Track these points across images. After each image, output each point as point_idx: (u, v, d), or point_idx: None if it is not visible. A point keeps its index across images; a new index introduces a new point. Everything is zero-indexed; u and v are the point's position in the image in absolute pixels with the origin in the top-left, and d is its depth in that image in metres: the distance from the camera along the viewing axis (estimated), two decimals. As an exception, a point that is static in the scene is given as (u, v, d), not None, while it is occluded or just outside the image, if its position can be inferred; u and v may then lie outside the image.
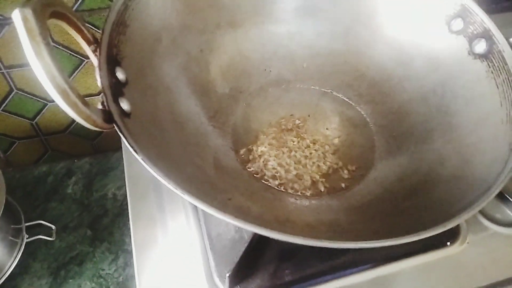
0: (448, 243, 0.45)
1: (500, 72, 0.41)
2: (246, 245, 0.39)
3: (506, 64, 0.40)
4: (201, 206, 0.28)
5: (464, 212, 0.31)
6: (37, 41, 0.26)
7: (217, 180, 0.39)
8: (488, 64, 0.42)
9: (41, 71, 0.26)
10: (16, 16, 0.26)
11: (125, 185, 0.69)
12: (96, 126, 0.30)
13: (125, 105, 0.34)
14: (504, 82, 0.40)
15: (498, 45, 0.42)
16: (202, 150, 0.42)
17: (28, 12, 0.26)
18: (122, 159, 0.72)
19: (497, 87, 0.41)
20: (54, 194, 0.68)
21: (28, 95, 0.61)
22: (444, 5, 0.46)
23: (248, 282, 0.39)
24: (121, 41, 0.37)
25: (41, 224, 0.62)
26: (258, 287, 0.39)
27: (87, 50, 0.35)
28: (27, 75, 0.58)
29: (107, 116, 0.31)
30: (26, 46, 0.26)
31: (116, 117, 0.31)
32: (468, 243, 0.46)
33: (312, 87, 0.54)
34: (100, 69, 0.33)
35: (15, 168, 0.70)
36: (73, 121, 0.67)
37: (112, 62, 0.35)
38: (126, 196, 0.68)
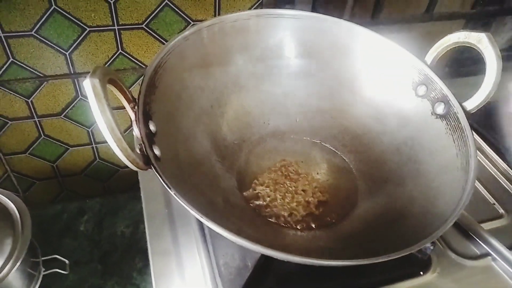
0: (421, 273, 0.53)
1: (456, 130, 0.50)
2: (250, 271, 0.46)
3: (460, 123, 0.50)
4: (222, 232, 0.36)
5: (428, 238, 0.39)
6: (102, 102, 0.35)
7: (228, 214, 0.47)
8: (447, 123, 0.52)
9: (104, 125, 0.35)
10: (87, 84, 0.35)
11: (132, 223, 0.77)
12: (138, 167, 0.38)
13: (156, 151, 0.42)
14: (458, 137, 0.50)
15: (454, 107, 0.51)
16: (214, 189, 0.50)
17: (96, 81, 0.35)
18: (129, 200, 0.80)
19: (454, 142, 0.50)
20: (68, 231, 0.74)
21: (54, 141, 0.69)
22: (411, 73, 0.56)
23: (251, 303, 0.46)
24: (151, 99, 0.46)
25: (56, 258, 0.68)
26: (260, 308, 0.46)
27: (127, 107, 0.44)
28: (55, 123, 0.66)
29: (146, 160, 0.39)
30: (93, 106, 0.35)
31: (153, 160, 0.39)
32: (438, 273, 0.53)
33: (304, 138, 0.63)
34: (138, 122, 0.42)
35: (31, 206, 0.76)
36: (89, 164, 0.75)
37: (146, 116, 0.44)
38: (133, 233, 0.75)
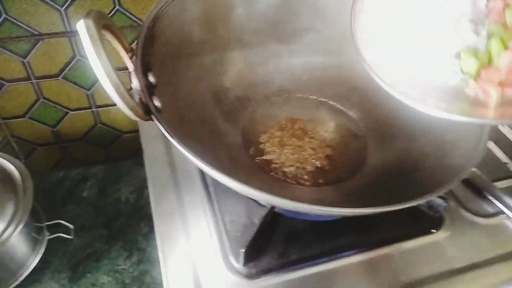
0: (434, 231, 0.51)
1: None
2: (257, 227, 0.44)
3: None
4: (229, 182, 0.34)
5: (439, 189, 0.37)
6: (97, 44, 0.33)
7: (233, 170, 0.45)
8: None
9: (100, 68, 0.33)
10: (81, 25, 0.33)
11: (136, 189, 0.75)
12: (138, 116, 0.36)
13: (157, 102, 0.40)
14: (474, 88, 0.47)
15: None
16: (218, 145, 0.48)
17: (90, 22, 0.33)
18: (133, 166, 0.78)
19: (469, 93, 0.48)
20: (71, 197, 0.73)
21: (53, 104, 0.67)
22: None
23: (259, 259, 0.45)
24: (150, 51, 0.44)
25: (60, 223, 0.67)
26: (268, 264, 0.45)
27: (125, 57, 0.42)
28: (54, 85, 0.64)
29: (146, 109, 0.37)
30: (88, 48, 0.33)
31: (153, 109, 0.38)
32: (450, 231, 0.52)
33: (311, 96, 0.61)
34: (136, 72, 0.40)
35: (33, 173, 0.75)
36: (90, 129, 0.74)
37: (145, 67, 0.42)
38: (137, 199, 0.74)
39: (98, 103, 0.70)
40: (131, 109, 0.35)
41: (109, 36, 0.40)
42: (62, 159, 0.78)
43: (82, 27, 0.33)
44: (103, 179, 0.77)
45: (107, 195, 0.74)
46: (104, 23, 0.37)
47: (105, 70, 0.33)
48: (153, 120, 0.38)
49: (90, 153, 0.79)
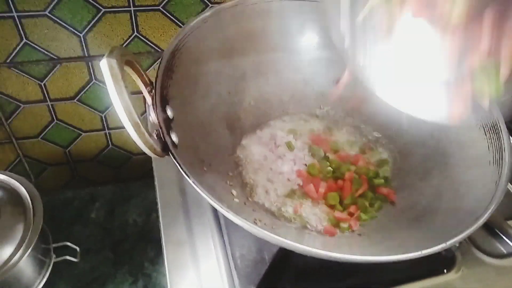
0: (445, 271, 0.50)
1: (487, 122, 0.48)
2: (268, 264, 0.44)
3: (492, 114, 0.47)
4: (240, 222, 0.34)
5: (457, 237, 0.37)
6: (119, 84, 0.33)
7: (246, 206, 0.45)
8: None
9: (120, 107, 0.33)
10: (104, 64, 0.33)
11: (144, 212, 0.75)
12: (155, 154, 0.36)
13: (174, 137, 0.40)
14: (490, 130, 0.47)
15: (486, 98, 0.49)
16: (231, 179, 0.48)
17: (113, 61, 0.33)
18: (142, 188, 0.78)
19: (485, 134, 0.47)
20: (79, 218, 0.73)
21: (66, 125, 0.67)
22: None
23: (269, 298, 0.44)
24: (169, 84, 0.44)
25: (66, 245, 0.67)
26: (278, 303, 0.44)
27: (144, 91, 0.42)
28: (68, 107, 0.65)
29: (163, 146, 0.37)
30: (110, 87, 0.33)
31: (170, 147, 0.37)
32: (462, 271, 0.51)
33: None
34: (155, 107, 0.40)
35: (43, 192, 0.75)
36: (101, 150, 0.74)
37: (164, 101, 0.42)
38: (145, 222, 0.73)
39: (111, 125, 0.70)
40: (149, 147, 0.35)
41: (129, 71, 0.40)
42: (72, 179, 0.79)
43: (105, 66, 0.33)
44: (111, 200, 0.77)
45: (115, 216, 0.74)
46: (127, 59, 0.37)
47: (125, 109, 0.33)
48: (169, 156, 0.38)
49: (100, 174, 0.79)
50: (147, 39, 0.61)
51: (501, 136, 0.46)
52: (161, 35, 0.60)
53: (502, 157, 0.44)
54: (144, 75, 0.42)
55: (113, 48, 0.35)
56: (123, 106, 0.33)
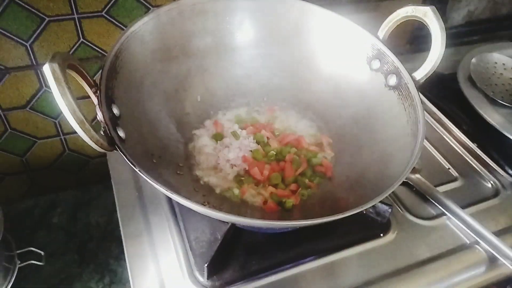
0: (382, 235, 0.56)
1: (406, 99, 0.54)
2: (219, 242, 0.48)
3: (410, 92, 0.54)
4: (188, 204, 0.38)
5: (377, 197, 0.42)
6: (62, 86, 0.36)
7: (196, 192, 0.49)
8: (399, 93, 0.55)
9: (65, 107, 0.36)
10: (47, 69, 0.36)
11: (106, 213, 0.77)
12: (102, 148, 0.40)
13: (121, 133, 0.44)
14: (409, 106, 0.53)
15: (404, 78, 0.55)
16: (181, 169, 0.52)
17: (55, 65, 0.36)
18: (102, 191, 0.80)
19: (405, 110, 0.54)
20: (41, 224, 0.74)
21: (21, 134, 0.69)
22: (365, 49, 0.59)
23: (223, 272, 0.49)
24: (114, 84, 0.47)
25: (31, 251, 0.68)
26: (231, 276, 0.48)
27: (89, 91, 0.45)
28: (21, 116, 0.66)
29: (110, 141, 0.41)
30: (54, 89, 0.36)
31: (117, 141, 0.41)
32: (397, 234, 0.57)
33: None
34: (101, 106, 0.43)
35: (2, 202, 0.76)
36: (59, 156, 0.75)
37: (108, 100, 0.45)
38: (108, 223, 0.76)
39: (65, 131, 0.72)
40: (96, 142, 0.38)
41: (74, 74, 0.43)
42: (31, 187, 0.79)
43: (48, 70, 0.36)
44: (73, 204, 0.78)
45: (77, 220, 0.76)
46: (69, 63, 0.40)
47: (69, 109, 0.36)
48: (117, 150, 0.41)
49: (59, 180, 0.80)
50: (93, 44, 0.63)
51: (417, 109, 0.52)
52: (106, 39, 0.63)
53: (417, 128, 0.50)
54: (88, 77, 0.45)
55: (55, 53, 0.38)
56: (67, 105, 0.36)
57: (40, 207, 0.77)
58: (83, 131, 0.37)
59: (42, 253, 0.68)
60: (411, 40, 0.98)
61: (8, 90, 0.62)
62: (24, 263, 0.66)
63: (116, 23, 0.62)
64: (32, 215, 0.76)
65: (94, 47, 0.64)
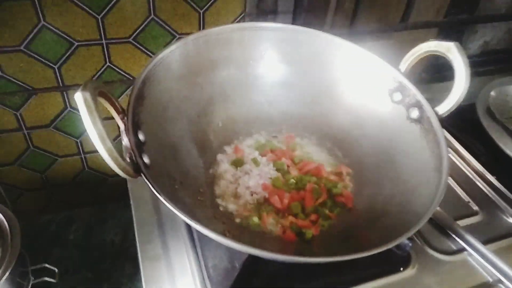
0: (401, 269, 0.55)
1: (429, 133, 0.54)
2: (238, 271, 0.48)
3: (432, 126, 0.53)
4: (208, 233, 0.38)
5: (404, 235, 0.41)
6: (93, 115, 0.37)
7: (215, 220, 0.49)
8: (421, 127, 0.55)
9: (95, 136, 0.37)
10: (79, 97, 0.37)
11: (121, 232, 0.78)
12: (129, 175, 0.40)
13: (146, 159, 0.44)
14: (432, 140, 0.53)
15: (427, 112, 0.55)
16: (202, 195, 0.52)
17: (87, 94, 0.37)
18: (118, 209, 0.81)
19: (427, 144, 0.53)
20: (57, 240, 0.75)
21: (42, 152, 0.70)
22: (387, 81, 0.60)
23: (240, 303, 0.48)
24: (140, 110, 0.48)
25: (45, 267, 0.69)
26: (249, 308, 0.48)
27: (116, 117, 0.46)
28: (44, 134, 0.68)
29: (136, 168, 0.41)
30: (85, 118, 0.37)
31: (143, 168, 0.41)
32: (417, 268, 0.56)
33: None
34: (128, 132, 0.44)
35: (20, 217, 0.77)
36: (78, 174, 0.76)
37: (135, 126, 0.46)
38: (123, 241, 0.76)
39: (86, 150, 0.73)
40: (123, 169, 0.39)
41: (103, 101, 0.44)
42: (49, 203, 0.80)
43: (80, 99, 0.37)
44: (89, 221, 0.79)
45: (92, 237, 0.77)
46: (100, 91, 0.41)
47: (99, 138, 0.37)
48: (141, 176, 0.42)
49: (77, 196, 0.81)
50: (119, 68, 0.65)
51: (440, 145, 0.52)
52: (132, 64, 0.64)
53: (441, 164, 0.50)
54: (116, 103, 0.46)
55: (86, 82, 0.39)
56: (97, 134, 0.37)
57: (57, 223, 0.78)
58: (111, 159, 0.38)
59: (56, 270, 0.69)
60: (426, 69, 0.98)
61: (34, 109, 0.64)
62: (38, 280, 0.66)
63: (142, 49, 0.64)
64: (48, 231, 0.77)
65: (120, 71, 0.65)
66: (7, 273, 0.57)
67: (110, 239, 0.77)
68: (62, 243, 0.75)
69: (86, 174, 0.76)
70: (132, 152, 0.43)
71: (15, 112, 0.63)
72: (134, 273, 0.71)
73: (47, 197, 0.79)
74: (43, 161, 0.72)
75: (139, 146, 0.45)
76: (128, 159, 0.43)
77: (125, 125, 0.45)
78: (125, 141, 0.44)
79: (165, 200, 0.39)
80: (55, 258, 0.72)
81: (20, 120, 0.64)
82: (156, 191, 0.40)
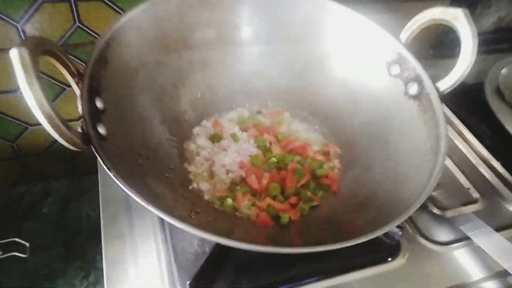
0: (390, 259, 0.51)
1: (427, 111, 0.48)
2: (206, 257, 0.43)
3: (432, 104, 0.48)
4: (166, 218, 0.33)
5: (390, 224, 0.37)
6: (30, 74, 0.32)
7: (184, 199, 0.44)
8: (419, 104, 0.50)
9: (31, 99, 0.32)
10: (14, 53, 0.32)
11: (98, 206, 0.73)
12: (75, 146, 0.35)
13: (102, 129, 0.39)
14: (430, 119, 0.47)
15: (427, 88, 0.49)
16: (171, 172, 0.47)
17: (24, 50, 0.32)
18: (97, 182, 0.76)
19: (425, 123, 0.48)
20: (30, 213, 0.71)
21: (11, 119, 0.65)
22: (385, 52, 0.54)
23: (207, 291, 0.44)
24: (102, 75, 0.43)
25: (15, 241, 0.65)
26: (216, 296, 0.44)
27: (71, 81, 0.41)
28: (12, 100, 0.63)
29: (86, 138, 0.36)
30: (20, 78, 0.31)
31: (94, 139, 0.36)
32: (407, 259, 0.51)
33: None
34: (81, 99, 0.39)
35: (-8, 187, 0.73)
36: (52, 143, 0.72)
37: (92, 92, 0.40)
38: (99, 217, 0.72)
39: (59, 118, 0.68)
40: (67, 140, 0.34)
41: (53, 61, 0.39)
42: (23, 174, 0.76)
43: (15, 56, 0.31)
44: (65, 194, 0.75)
45: (67, 211, 0.73)
46: (45, 49, 0.36)
47: (37, 102, 0.32)
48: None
49: (52, 168, 0.77)
50: (89, 29, 0.59)
51: (439, 124, 0.46)
52: (105, 25, 0.59)
53: (438, 146, 0.45)
54: (70, 66, 0.40)
55: (27, 37, 0.34)
56: (34, 97, 0.32)
57: (31, 195, 0.74)
58: (52, 127, 0.33)
59: (27, 244, 0.65)
60: (435, 45, 0.91)
61: (-2, 72, 0.59)
62: (6, 254, 0.63)
63: (115, 8, 0.58)
64: (22, 203, 0.73)
65: (91, 32, 0.59)
66: (-31, 246, 0.54)
67: (86, 214, 0.73)
68: (35, 217, 0.71)
69: (60, 145, 0.71)
70: (83, 120, 0.38)
71: (-23, 74, 0.58)
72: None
73: (20, 168, 0.75)
74: (12, 129, 0.67)
75: (94, 115, 0.39)
76: (80, 129, 0.38)
77: (80, 89, 0.40)
78: (79, 108, 0.39)
79: (115, 176, 0.34)
80: (27, 232, 0.69)
81: (-17, 84, 0.59)
82: (105, 165, 0.35)
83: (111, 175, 0.34)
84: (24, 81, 0.31)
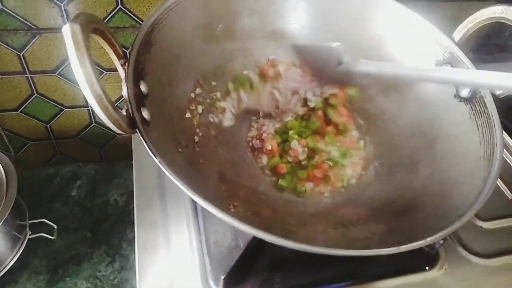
0: (427, 268, 0.49)
1: (481, 115, 0.45)
2: (241, 252, 0.42)
3: (486, 108, 0.45)
4: (209, 208, 0.32)
5: (441, 233, 0.34)
6: (81, 51, 0.31)
7: (220, 189, 0.43)
8: (471, 107, 0.47)
9: (82, 77, 0.31)
10: (66, 30, 0.31)
11: (126, 192, 0.73)
12: (121, 130, 0.34)
13: (145, 114, 0.38)
14: (483, 124, 0.45)
15: (481, 91, 0.46)
16: (209, 163, 0.46)
17: (76, 27, 0.31)
18: (126, 168, 0.76)
19: (478, 128, 0.45)
20: (59, 195, 0.71)
21: (47, 100, 0.65)
22: (436, 50, 0.51)
23: (240, 287, 0.43)
24: (146, 58, 0.42)
25: (44, 222, 0.65)
26: (249, 292, 0.43)
27: (117, 63, 0.40)
28: (49, 81, 0.62)
29: (131, 122, 0.35)
30: (71, 55, 0.30)
31: (139, 123, 0.35)
32: (445, 269, 0.49)
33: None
34: (127, 81, 0.38)
35: (23, 167, 0.74)
36: (85, 127, 0.72)
37: (137, 76, 0.39)
38: (127, 203, 0.72)
39: (94, 102, 0.68)
40: (114, 122, 0.33)
41: (101, 41, 0.38)
42: (54, 156, 0.76)
43: (68, 32, 0.30)
44: (93, 178, 0.75)
45: (96, 196, 0.72)
46: (95, 27, 0.35)
47: (87, 80, 0.31)
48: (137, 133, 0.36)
49: (83, 152, 0.77)
50: (132, 12, 0.58)
51: (494, 130, 0.44)
52: (146, 9, 0.58)
53: (493, 152, 0.42)
54: (117, 46, 0.39)
55: (79, 13, 0.33)
56: (84, 75, 0.31)
57: (61, 177, 0.74)
58: (100, 108, 0.32)
59: (55, 226, 0.65)
60: (475, 49, 0.87)
61: (38, 52, 0.59)
62: (35, 235, 0.63)
63: (160, -9, 0.57)
64: (52, 184, 0.73)
65: (133, 15, 0.58)
66: (0, 224, 0.54)
67: (114, 200, 0.72)
68: (64, 199, 0.71)
69: (93, 128, 0.71)
70: (129, 104, 0.37)
71: (18, 53, 0.58)
72: (134, 238, 0.66)
73: (52, 150, 0.75)
74: (48, 110, 0.67)
75: (139, 98, 0.38)
76: (125, 112, 0.37)
77: (125, 72, 0.39)
78: (124, 91, 0.38)
79: (160, 163, 0.33)
80: (55, 214, 0.69)
81: (23, 62, 0.59)
82: (151, 150, 0.34)
83: (157, 161, 0.33)
84: (75, 58, 0.30)
